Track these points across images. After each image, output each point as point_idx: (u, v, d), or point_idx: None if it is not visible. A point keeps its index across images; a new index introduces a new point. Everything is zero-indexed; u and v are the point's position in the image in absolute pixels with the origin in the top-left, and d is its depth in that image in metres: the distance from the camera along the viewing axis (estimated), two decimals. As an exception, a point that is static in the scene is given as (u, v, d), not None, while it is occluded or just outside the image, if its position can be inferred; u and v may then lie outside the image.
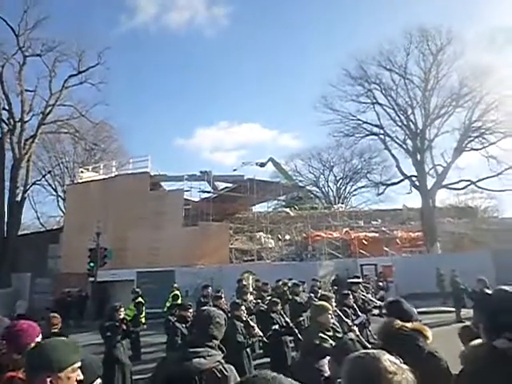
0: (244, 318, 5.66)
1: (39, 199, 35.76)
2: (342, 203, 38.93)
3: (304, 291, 9.25)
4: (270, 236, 24.12)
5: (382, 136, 24.32)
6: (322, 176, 45.02)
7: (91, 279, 17.16)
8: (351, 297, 6.55)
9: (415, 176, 22.81)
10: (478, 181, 22.46)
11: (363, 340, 4.59)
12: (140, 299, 10.53)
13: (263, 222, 24.78)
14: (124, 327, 5.99)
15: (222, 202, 22.43)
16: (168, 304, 10.00)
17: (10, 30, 25.86)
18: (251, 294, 9.72)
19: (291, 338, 6.36)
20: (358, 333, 4.99)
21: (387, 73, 24.06)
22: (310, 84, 65.55)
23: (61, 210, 32.49)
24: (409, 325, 2.20)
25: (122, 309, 6.24)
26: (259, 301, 8.52)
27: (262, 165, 31.63)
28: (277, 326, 6.08)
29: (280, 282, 10.60)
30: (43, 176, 33.67)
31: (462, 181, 22.66)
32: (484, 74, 21.79)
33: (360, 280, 9.01)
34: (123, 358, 5.84)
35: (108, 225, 19.43)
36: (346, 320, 5.46)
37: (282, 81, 71.92)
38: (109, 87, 46.03)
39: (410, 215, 27.23)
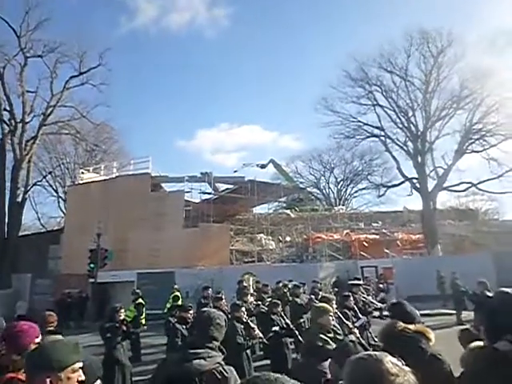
0: (244, 320, 5.63)
1: (40, 200, 35.83)
2: (343, 205, 38.98)
3: (304, 293, 9.23)
4: (270, 237, 24.11)
5: (382, 138, 24.35)
6: (322, 178, 45.20)
7: (91, 280, 17.16)
8: (352, 299, 6.53)
9: (416, 178, 22.81)
10: (478, 183, 22.47)
11: (364, 342, 4.57)
12: (140, 300, 10.50)
13: (264, 223, 24.78)
14: (124, 328, 5.97)
15: (222, 204, 22.45)
16: (168, 305, 9.97)
17: (11, 32, 26.05)
18: (251, 295, 9.65)
19: (291, 339, 6.33)
20: (358, 335, 4.98)
21: (388, 75, 24.16)
22: (311, 85, 65.68)
23: (61, 210, 32.58)
24: (411, 327, 2.20)
25: (123, 310, 6.22)
26: (259, 302, 8.47)
27: (263, 166, 31.64)
28: (277, 328, 6.07)
29: (280, 284, 10.61)
30: (44, 177, 33.76)
31: (462, 183, 22.70)
32: (485, 76, 21.84)
33: (360, 282, 8.95)
34: (123, 359, 5.82)
35: (108, 226, 19.45)
36: (347, 322, 5.44)
37: (282, 81, 72.14)
38: (110, 88, 46.08)
39: (410, 217, 27.23)
